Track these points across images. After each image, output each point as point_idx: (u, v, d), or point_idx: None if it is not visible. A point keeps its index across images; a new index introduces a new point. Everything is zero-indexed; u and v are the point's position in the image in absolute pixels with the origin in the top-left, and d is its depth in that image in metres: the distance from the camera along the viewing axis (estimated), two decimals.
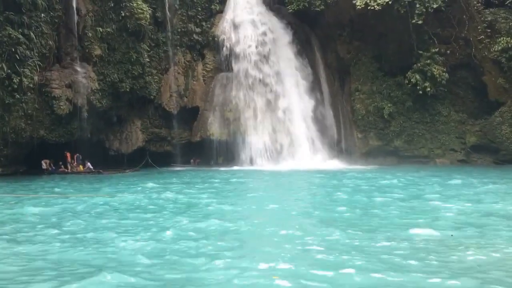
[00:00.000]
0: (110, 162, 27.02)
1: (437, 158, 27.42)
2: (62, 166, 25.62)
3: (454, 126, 27.57)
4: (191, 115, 28.98)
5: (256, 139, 28.04)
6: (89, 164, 25.93)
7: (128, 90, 26.25)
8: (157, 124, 28.82)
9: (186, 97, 28.89)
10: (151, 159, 28.21)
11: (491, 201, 12.12)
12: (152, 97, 27.79)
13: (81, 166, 25.85)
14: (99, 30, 24.93)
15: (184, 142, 29.17)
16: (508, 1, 27.11)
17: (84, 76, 24.61)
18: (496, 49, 25.82)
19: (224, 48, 28.85)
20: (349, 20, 28.55)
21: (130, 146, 27.94)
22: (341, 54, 29.78)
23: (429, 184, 16.30)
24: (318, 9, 27.73)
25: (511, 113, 25.63)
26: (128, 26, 25.40)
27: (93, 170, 25.45)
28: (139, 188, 16.45)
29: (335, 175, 20.77)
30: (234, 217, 10.25)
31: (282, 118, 28.64)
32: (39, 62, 22.47)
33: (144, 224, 9.59)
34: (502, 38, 25.96)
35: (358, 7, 26.24)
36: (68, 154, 25.63)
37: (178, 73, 28.80)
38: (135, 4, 25.37)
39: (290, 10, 28.62)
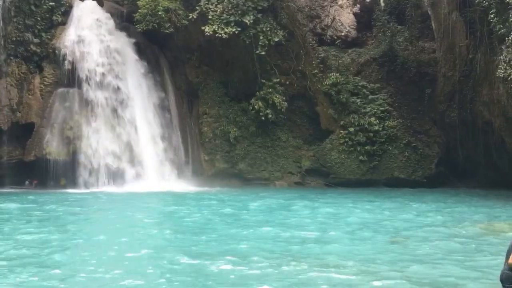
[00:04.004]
0: None
1: (276, 181, 29.24)
2: None
3: (292, 151, 29.79)
4: (25, 132, 26.45)
5: (99, 160, 26.69)
6: None
7: None
8: None
9: (20, 112, 26.31)
10: None
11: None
12: None
13: None
14: None
15: (15, 161, 26.40)
16: (337, 41, 30.68)
17: None
18: (327, 83, 28.83)
19: (66, 62, 27.08)
20: (198, 45, 29.27)
21: None
22: (190, 77, 30.27)
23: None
24: (167, 31, 27.84)
25: (339, 140, 28.66)
26: None
27: None
28: None
29: (179, 198, 20.91)
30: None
31: (127, 138, 27.80)
32: None
33: None
34: (332, 73, 29.16)
35: (207, 33, 27.08)
36: None
37: (11, 85, 26.12)
38: None
39: (139, 30, 28.24)
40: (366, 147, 28.12)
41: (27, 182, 26.70)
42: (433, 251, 9.85)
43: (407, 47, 29.96)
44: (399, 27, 30.69)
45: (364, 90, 29.18)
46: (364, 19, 31.42)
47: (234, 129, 29.37)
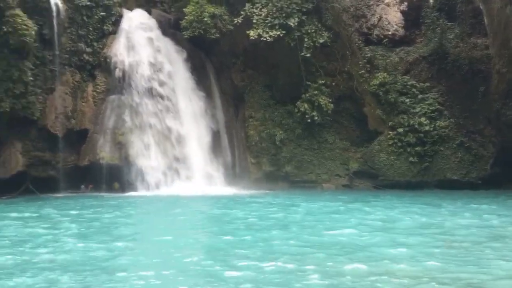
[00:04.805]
0: None
1: (323, 183, 28.92)
2: None
3: (339, 153, 29.38)
4: (79, 138, 27.54)
5: (150, 164, 27.39)
6: None
7: (8, 110, 24.25)
8: (40, 147, 26.80)
9: (74, 119, 27.46)
10: (33, 184, 26.14)
11: None
12: (35, 118, 25.96)
13: None
14: None
15: (70, 166, 27.50)
16: (384, 40, 30.05)
17: None
18: (374, 83, 28.26)
19: (117, 70, 28.05)
20: (243, 49, 29.54)
21: (8, 170, 25.61)
22: (235, 81, 30.58)
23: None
24: (213, 36, 28.25)
25: (388, 141, 28.02)
26: (11, 42, 23.70)
27: None
28: None
29: (233, 201, 21.06)
30: None
31: (176, 143, 28.41)
32: None
33: None
34: (379, 73, 28.55)
35: (252, 37, 27.28)
36: None
37: (66, 93, 27.32)
38: (19, 20, 23.76)
39: (186, 36, 28.80)
40: (417, 148, 27.34)
41: (82, 187, 27.70)
42: (493, 257, 9.37)
43: (458, 44, 28.90)
44: (449, 23, 29.66)
45: (414, 90, 28.37)
46: (412, 17, 30.57)
47: (280, 132, 29.35)
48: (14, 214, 16.94)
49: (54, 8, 26.38)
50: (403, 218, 15.07)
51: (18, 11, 23.94)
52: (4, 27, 23.47)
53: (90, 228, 13.77)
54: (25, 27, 23.94)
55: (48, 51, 26.54)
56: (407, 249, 10.08)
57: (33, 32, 24.42)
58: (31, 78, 25.17)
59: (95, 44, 28.25)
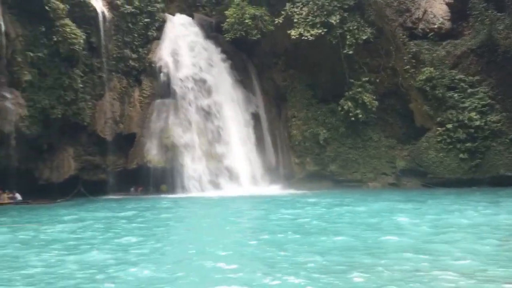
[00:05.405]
0: (40, 191, 25.69)
1: (369, 182, 28.43)
2: None
3: (385, 151, 28.79)
4: (127, 142, 28.35)
5: (195, 165, 27.83)
6: (17, 194, 24.53)
7: (60, 116, 25.31)
8: (90, 152, 27.86)
9: (122, 124, 28.31)
10: (84, 187, 27.13)
11: None
12: (85, 123, 26.95)
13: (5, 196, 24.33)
14: (30, 54, 24.00)
15: (119, 169, 28.37)
16: (430, 34, 29.18)
17: (12, 102, 23.47)
18: (420, 78, 27.46)
19: (162, 75, 28.70)
20: (285, 49, 29.50)
21: (61, 174, 26.75)
22: (277, 81, 30.58)
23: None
24: (254, 38, 28.40)
25: (436, 138, 27.17)
26: (61, 51, 24.71)
27: (21, 201, 24.09)
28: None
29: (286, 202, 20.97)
30: None
31: (220, 144, 28.72)
32: None
33: None
34: (426, 68, 27.71)
35: (293, 37, 27.21)
36: None
37: (114, 99, 28.22)
38: (68, 29, 24.75)
39: (228, 38, 29.08)
40: (467, 144, 26.35)
41: (132, 189, 28.50)
42: None
43: (509, 35, 27.57)
44: (499, 14, 28.43)
45: (462, 84, 27.35)
46: (458, 9, 29.49)
47: (324, 131, 29.10)
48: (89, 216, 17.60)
49: (101, 16, 27.27)
50: (467, 216, 14.40)
51: (67, 21, 24.91)
52: (54, 36, 24.49)
53: (150, 229, 14.14)
54: (74, 36, 24.90)
55: (96, 59, 27.47)
56: (479, 253, 9.59)
57: (81, 41, 25.35)
58: (81, 85, 26.16)
59: (140, 50, 29.01)
